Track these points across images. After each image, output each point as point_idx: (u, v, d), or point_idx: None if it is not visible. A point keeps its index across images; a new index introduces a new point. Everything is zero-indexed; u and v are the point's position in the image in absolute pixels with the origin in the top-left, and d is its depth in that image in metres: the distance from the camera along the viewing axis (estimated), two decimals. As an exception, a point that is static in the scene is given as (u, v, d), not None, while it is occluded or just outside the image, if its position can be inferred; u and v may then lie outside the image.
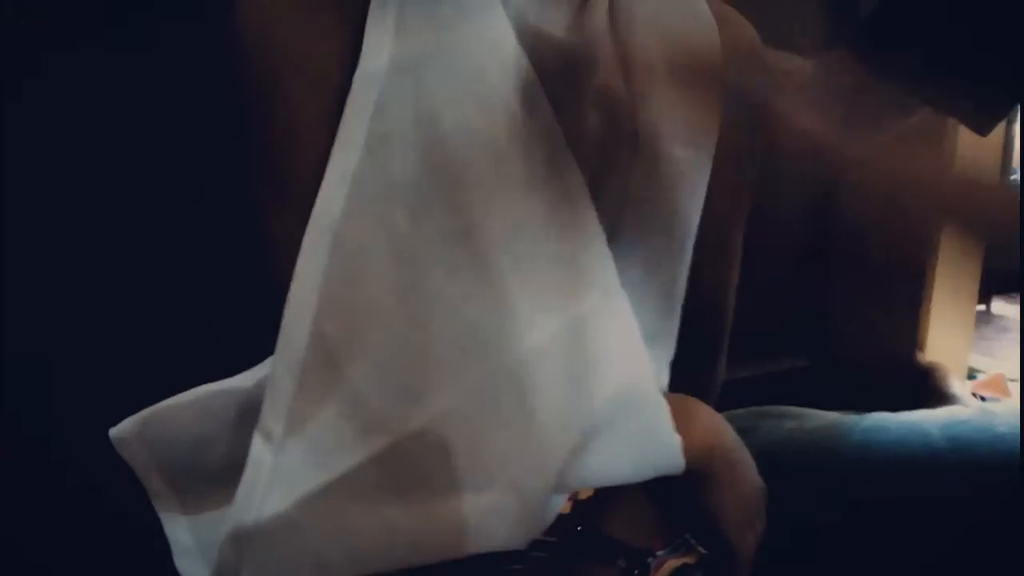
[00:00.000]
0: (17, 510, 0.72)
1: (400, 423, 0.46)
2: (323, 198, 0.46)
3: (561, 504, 0.50)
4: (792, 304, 1.17)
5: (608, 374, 0.47)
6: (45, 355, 0.72)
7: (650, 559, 0.54)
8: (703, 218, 0.57)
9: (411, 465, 0.46)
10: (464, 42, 0.48)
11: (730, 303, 0.63)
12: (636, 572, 0.53)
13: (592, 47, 0.51)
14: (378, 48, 0.47)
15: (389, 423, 0.46)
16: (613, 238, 0.52)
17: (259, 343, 0.49)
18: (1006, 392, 1.22)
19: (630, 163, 0.53)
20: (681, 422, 0.50)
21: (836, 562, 0.70)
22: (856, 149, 0.80)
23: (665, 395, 0.52)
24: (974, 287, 1.27)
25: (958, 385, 1.13)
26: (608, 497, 0.53)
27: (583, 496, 0.53)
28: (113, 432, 0.53)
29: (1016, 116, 1.59)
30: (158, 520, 0.55)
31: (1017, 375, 1.26)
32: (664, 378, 0.57)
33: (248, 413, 0.50)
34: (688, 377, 0.58)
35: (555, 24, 0.50)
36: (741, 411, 0.80)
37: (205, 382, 0.52)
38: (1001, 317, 2.34)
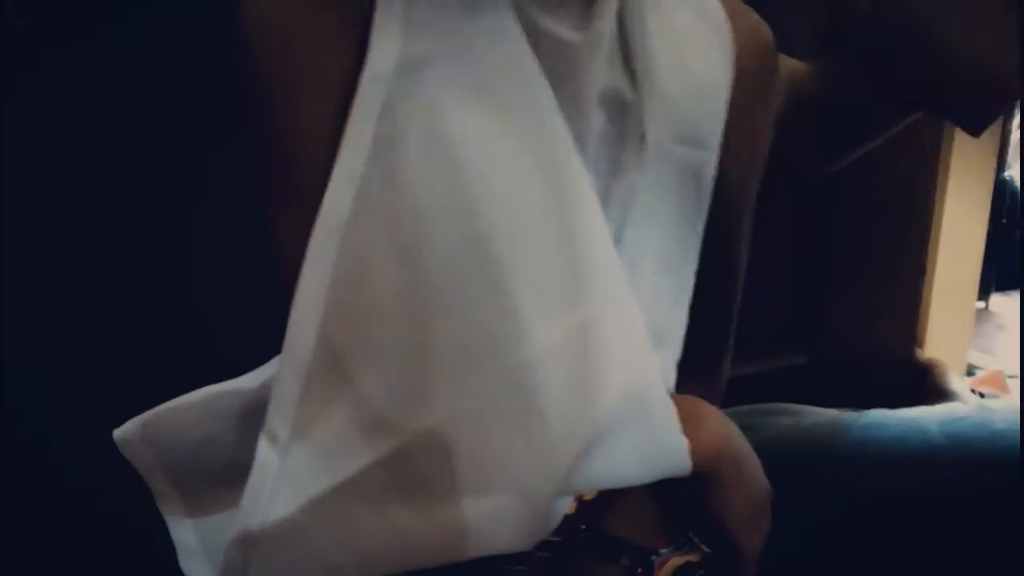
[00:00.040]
0: (17, 510, 0.72)
1: (406, 426, 0.45)
2: (330, 199, 0.46)
3: (567, 506, 0.50)
4: (791, 302, 1.17)
5: (615, 376, 0.47)
6: (45, 355, 0.72)
7: (653, 557, 0.54)
8: (710, 217, 0.57)
9: (418, 468, 0.45)
10: (471, 42, 0.47)
11: (737, 301, 0.64)
12: (640, 570, 0.53)
13: (600, 46, 0.51)
14: (385, 49, 0.46)
15: (395, 426, 0.46)
16: (620, 239, 0.52)
17: (264, 343, 0.49)
18: (1005, 389, 1.22)
19: (638, 163, 0.53)
20: (688, 424, 0.50)
21: (834, 559, 0.70)
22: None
23: (672, 397, 0.52)
24: (973, 284, 1.28)
25: (957, 382, 1.13)
26: (612, 496, 0.53)
27: (588, 497, 0.53)
28: (117, 433, 0.53)
29: (1012, 113, 1.60)
30: (158, 520, 0.55)
31: (1016, 372, 1.27)
32: (671, 378, 0.57)
33: (253, 414, 0.50)
34: (694, 376, 0.58)
35: (563, 23, 0.49)
36: (739, 408, 0.80)
37: (209, 383, 0.52)
38: (999, 314, 2.34)
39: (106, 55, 0.70)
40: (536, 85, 0.48)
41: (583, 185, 0.49)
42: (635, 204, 0.53)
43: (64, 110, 0.70)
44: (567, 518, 0.50)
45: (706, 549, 0.55)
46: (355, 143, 0.46)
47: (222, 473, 0.53)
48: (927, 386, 1.13)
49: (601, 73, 0.51)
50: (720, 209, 0.57)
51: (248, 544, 0.48)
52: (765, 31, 0.60)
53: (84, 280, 0.72)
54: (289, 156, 0.49)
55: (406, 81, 0.46)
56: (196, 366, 0.52)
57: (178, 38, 0.71)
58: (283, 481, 0.47)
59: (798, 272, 1.17)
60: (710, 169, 0.56)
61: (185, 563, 0.54)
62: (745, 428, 0.56)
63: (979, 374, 1.30)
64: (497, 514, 0.45)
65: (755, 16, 0.60)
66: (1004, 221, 2.01)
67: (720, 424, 0.54)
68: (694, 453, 0.50)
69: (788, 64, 0.72)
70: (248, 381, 0.52)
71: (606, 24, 0.51)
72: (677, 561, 0.54)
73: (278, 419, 0.48)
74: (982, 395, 1.17)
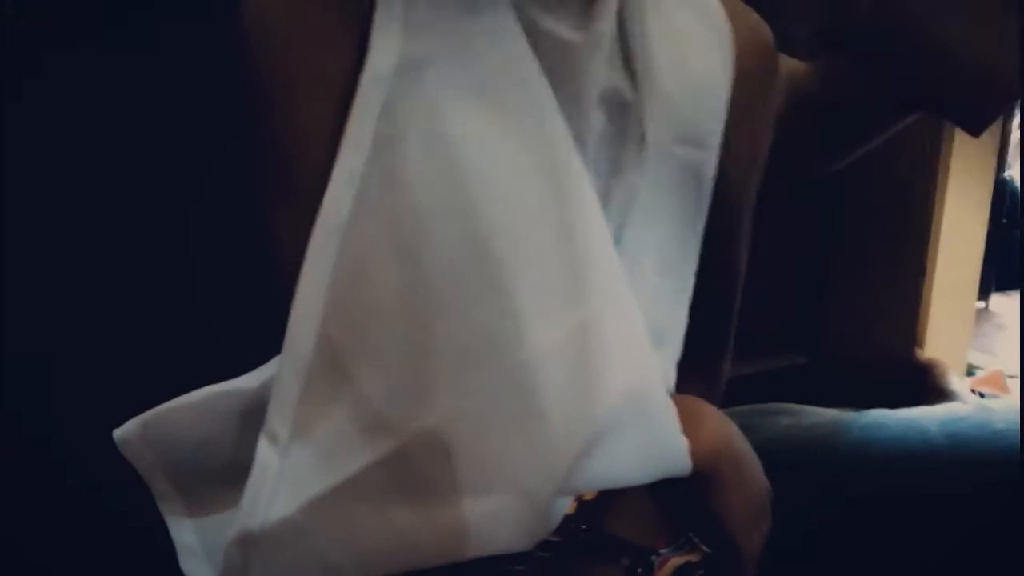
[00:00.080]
0: (17, 510, 0.72)
1: (406, 426, 0.45)
2: (330, 199, 0.46)
3: (567, 506, 0.50)
4: (791, 302, 1.17)
5: (615, 376, 0.47)
6: (45, 355, 0.72)
7: (653, 557, 0.54)
8: (711, 217, 0.57)
9: (418, 468, 0.45)
10: (471, 42, 0.47)
11: (737, 301, 0.64)
12: (640, 570, 0.53)
13: (600, 46, 0.51)
14: (385, 49, 0.46)
15: (395, 426, 0.46)
16: (621, 239, 0.52)
17: (264, 343, 0.49)
18: (1005, 389, 1.22)
19: (638, 163, 0.53)
20: (688, 424, 0.50)
21: (834, 559, 0.70)
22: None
23: (672, 397, 0.52)
24: (973, 284, 1.28)
25: (957, 382, 1.13)
26: (612, 496, 0.53)
27: (588, 497, 0.53)
28: (117, 433, 0.53)
29: (1012, 113, 1.60)
30: (158, 520, 0.55)
31: (1016, 372, 1.27)
32: (671, 378, 0.57)
33: (253, 414, 0.50)
34: (694, 376, 0.59)
35: (563, 23, 0.49)
36: (739, 408, 0.80)
37: (209, 383, 0.52)
38: (999, 314, 2.35)
39: (106, 55, 0.70)
40: (536, 85, 0.48)
41: (583, 185, 0.49)
42: (635, 204, 0.53)
43: (64, 110, 0.70)
44: (567, 518, 0.50)
45: (706, 549, 0.55)
46: (355, 143, 0.46)
47: (222, 473, 0.53)
48: (927, 386, 1.13)
49: (601, 73, 0.51)
50: (720, 209, 0.57)
51: (248, 544, 0.48)
52: (765, 31, 0.60)
53: (84, 280, 0.72)
54: (289, 156, 0.49)
55: (406, 81, 0.46)
56: (196, 366, 0.52)
57: (178, 38, 0.71)
58: (283, 481, 0.47)
59: (798, 272, 1.17)
60: (710, 169, 0.56)
61: (185, 563, 0.54)
62: (745, 428, 0.56)
63: (979, 374, 1.30)
64: (497, 514, 0.45)
65: (755, 16, 0.60)
66: (1004, 221, 2.01)
67: (720, 424, 0.54)
68: (694, 453, 0.50)
69: (788, 64, 0.72)
70: (248, 381, 0.52)
71: (606, 24, 0.51)
72: (677, 561, 0.54)
73: (278, 419, 0.48)
74: (982, 395, 1.17)
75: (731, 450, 0.53)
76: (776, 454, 0.59)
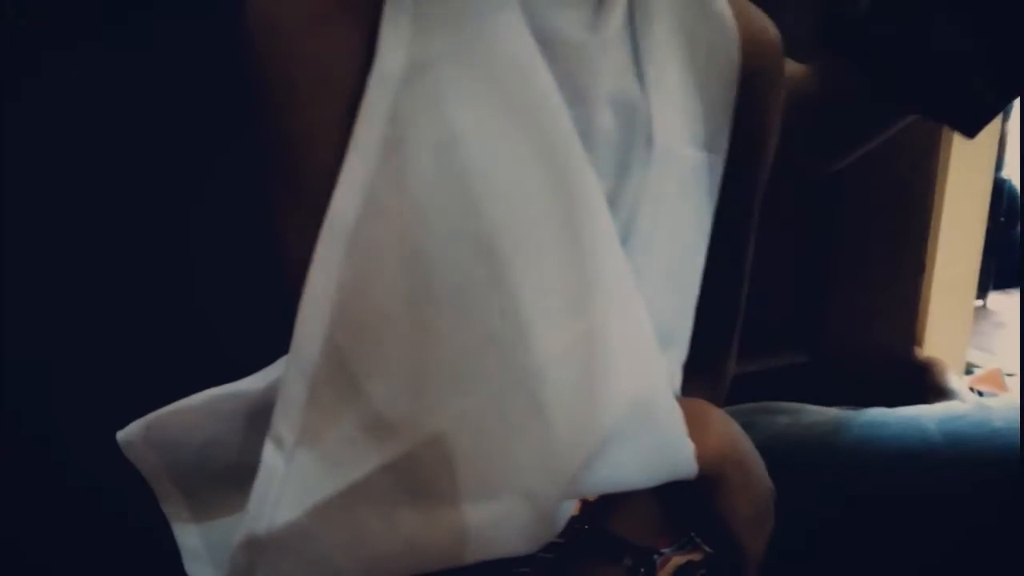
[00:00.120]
0: (17, 510, 0.72)
1: (413, 431, 0.45)
2: (337, 203, 0.46)
3: (571, 510, 0.50)
4: (791, 301, 1.17)
5: (621, 384, 0.46)
6: (45, 355, 0.72)
7: (656, 556, 0.54)
8: (717, 218, 0.57)
9: (423, 472, 0.45)
10: (479, 43, 0.47)
11: (742, 302, 0.64)
12: (642, 570, 0.53)
13: (609, 47, 0.50)
14: (393, 50, 0.46)
15: (402, 431, 0.45)
16: (628, 240, 0.52)
17: (269, 345, 0.49)
18: (1003, 387, 1.23)
19: (645, 164, 0.52)
20: (694, 428, 0.50)
21: (833, 558, 0.70)
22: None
23: (678, 400, 0.51)
24: (972, 282, 1.28)
25: (956, 380, 1.14)
26: (614, 497, 0.52)
27: (590, 498, 0.53)
28: (120, 435, 0.53)
29: (1009, 114, 1.60)
30: (161, 522, 0.55)
31: (1014, 370, 1.27)
32: (677, 380, 0.57)
33: (258, 416, 0.50)
34: (699, 377, 0.59)
35: (571, 24, 0.49)
36: (739, 407, 0.80)
37: (213, 384, 0.52)
38: (998, 312, 2.35)
39: (106, 55, 0.70)
40: (544, 85, 0.47)
41: (590, 186, 0.48)
42: (642, 205, 0.52)
43: (64, 110, 0.70)
44: (572, 519, 0.50)
45: (708, 549, 0.55)
46: (363, 144, 0.46)
47: (227, 475, 0.52)
48: (926, 384, 1.13)
49: (609, 73, 0.51)
50: (727, 210, 0.57)
51: (255, 548, 0.48)
52: (773, 32, 0.59)
53: (86, 280, 0.72)
54: (296, 157, 0.48)
55: (414, 82, 0.46)
56: (201, 367, 0.52)
57: (178, 38, 0.70)
58: (289, 485, 0.47)
59: (798, 272, 1.17)
60: (717, 170, 0.56)
61: (190, 566, 0.54)
62: (745, 427, 0.56)
63: (978, 372, 1.31)
64: (501, 519, 0.45)
65: (763, 17, 0.59)
66: (1002, 219, 2.01)
67: (726, 426, 0.54)
68: (700, 456, 0.50)
69: (788, 64, 0.72)
70: (253, 383, 0.51)
71: (614, 24, 0.50)
72: (679, 561, 0.54)
73: (284, 423, 0.47)
74: (981, 393, 1.18)
75: (736, 453, 0.53)
76: (776, 452, 0.59)
